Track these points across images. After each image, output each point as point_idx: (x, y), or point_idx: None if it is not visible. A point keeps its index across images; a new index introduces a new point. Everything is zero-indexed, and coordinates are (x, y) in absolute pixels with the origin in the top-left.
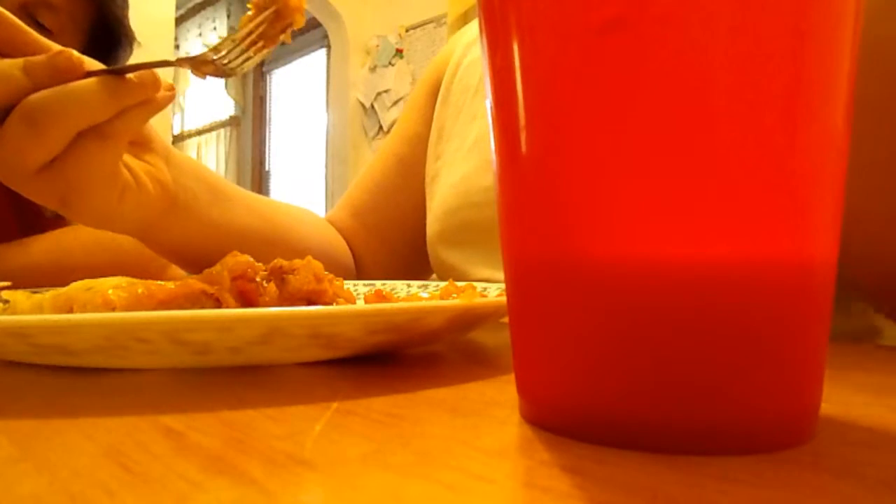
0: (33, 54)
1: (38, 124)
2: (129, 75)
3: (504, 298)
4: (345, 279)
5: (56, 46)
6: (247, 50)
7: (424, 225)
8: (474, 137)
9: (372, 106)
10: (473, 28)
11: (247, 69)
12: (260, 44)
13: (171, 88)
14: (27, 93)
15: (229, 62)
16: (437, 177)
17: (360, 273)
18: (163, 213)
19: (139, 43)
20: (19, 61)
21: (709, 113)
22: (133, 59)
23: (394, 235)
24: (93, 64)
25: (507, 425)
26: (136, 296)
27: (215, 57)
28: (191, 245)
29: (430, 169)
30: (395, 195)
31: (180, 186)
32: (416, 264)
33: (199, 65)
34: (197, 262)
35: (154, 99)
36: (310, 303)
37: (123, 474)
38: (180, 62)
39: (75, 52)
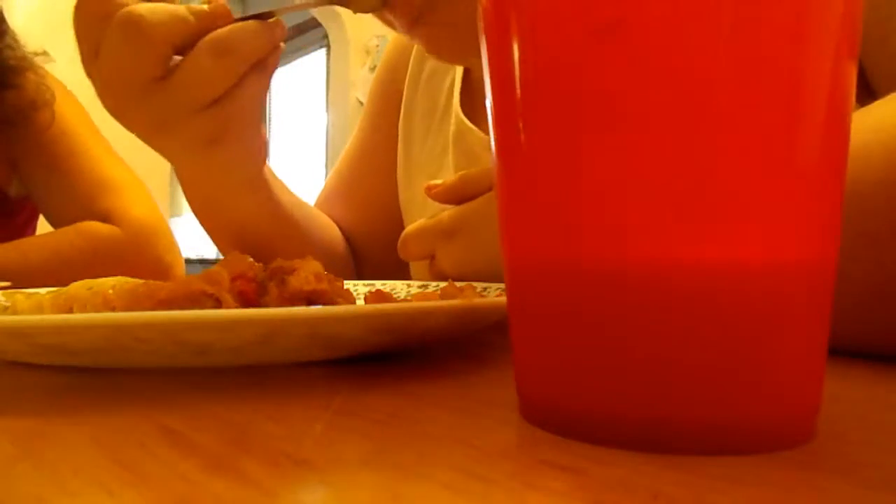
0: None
1: (226, 55)
2: (270, 20)
3: (504, 298)
4: (346, 279)
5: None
6: None
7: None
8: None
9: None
10: None
11: None
12: None
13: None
14: (197, 34)
15: None
16: (411, 207)
17: (356, 262)
18: (258, 173)
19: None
20: (187, 6)
21: (708, 115)
22: None
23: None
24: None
25: (507, 425)
26: (136, 296)
27: None
28: (256, 223)
29: (403, 195)
30: (360, 206)
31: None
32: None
33: None
34: (250, 244)
35: (280, 47)
36: (310, 303)
37: (123, 474)
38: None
39: (225, 4)
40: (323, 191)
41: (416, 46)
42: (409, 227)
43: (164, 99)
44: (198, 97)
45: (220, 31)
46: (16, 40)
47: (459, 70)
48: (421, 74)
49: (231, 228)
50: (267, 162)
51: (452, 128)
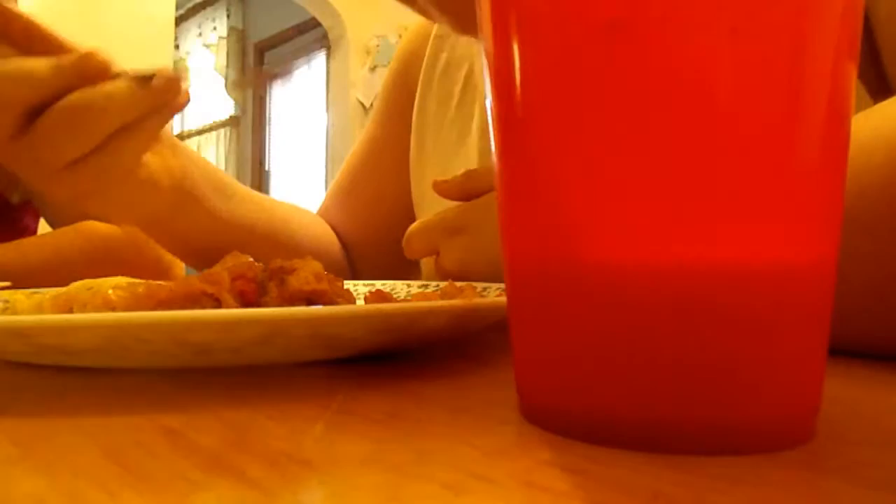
0: (49, 49)
1: (78, 124)
2: (155, 79)
3: (504, 298)
4: (344, 279)
5: (69, 44)
6: None
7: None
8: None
9: (372, 106)
10: None
11: None
12: None
13: (187, 93)
14: (60, 90)
15: None
16: (422, 201)
17: (351, 265)
18: (173, 205)
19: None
20: (50, 61)
21: (709, 115)
22: (132, 57)
23: (372, 230)
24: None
25: (507, 425)
26: (136, 296)
27: None
28: (198, 238)
29: (415, 189)
30: (366, 206)
31: (187, 177)
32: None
33: None
34: (203, 257)
35: (176, 102)
36: (310, 303)
37: (123, 474)
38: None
39: (103, 54)
40: (327, 195)
41: (430, 40)
42: (414, 224)
43: (23, 157)
44: (50, 161)
45: (76, 96)
46: None
47: (478, 63)
48: (436, 67)
49: (175, 247)
50: (177, 190)
51: (477, 121)
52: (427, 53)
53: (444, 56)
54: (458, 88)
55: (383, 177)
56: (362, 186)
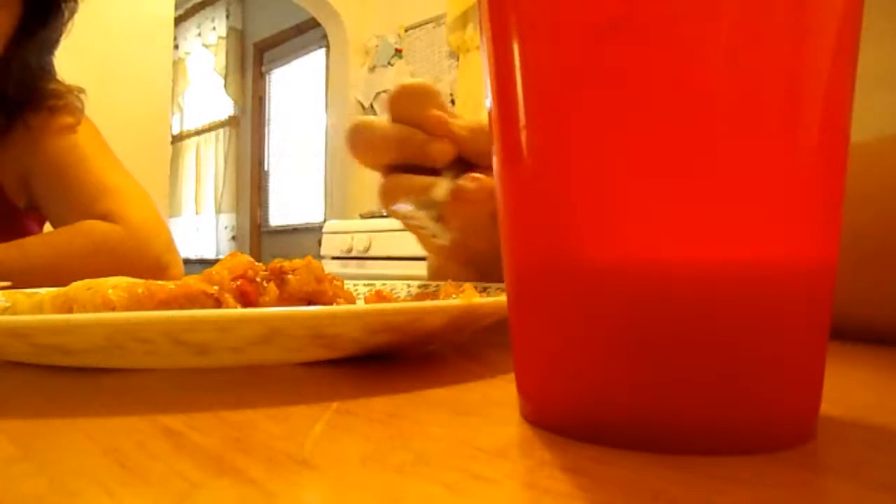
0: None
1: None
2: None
3: (504, 298)
4: None
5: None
6: None
7: None
8: None
9: (371, 106)
10: None
11: None
12: None
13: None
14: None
15: None
16: None
17: None
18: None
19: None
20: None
21: (709, 114)
22: (131, 57)
23: None
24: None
25: (507, 425)
26: (136, 296)
27: None
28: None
29: None
30: None
31: None
32: None
33: None
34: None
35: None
36: (310, 303)
37: (123, 474)
38: None
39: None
40: None
41: None
42: None
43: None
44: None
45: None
46: (59, 81)
47: None
48: None
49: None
50: None
51: None
52: None
53: None
54: None
55: None
56: None
